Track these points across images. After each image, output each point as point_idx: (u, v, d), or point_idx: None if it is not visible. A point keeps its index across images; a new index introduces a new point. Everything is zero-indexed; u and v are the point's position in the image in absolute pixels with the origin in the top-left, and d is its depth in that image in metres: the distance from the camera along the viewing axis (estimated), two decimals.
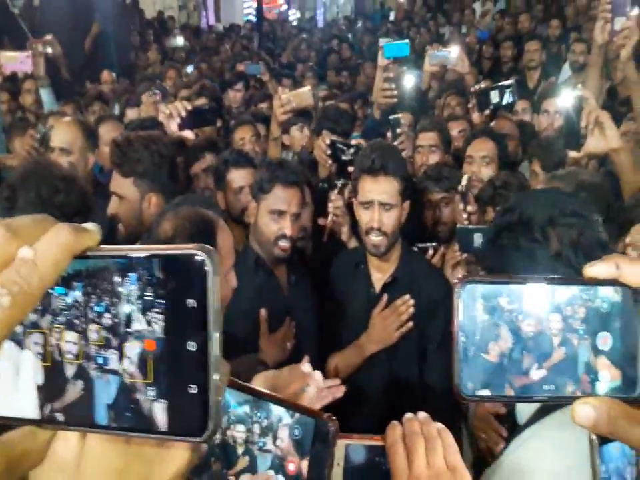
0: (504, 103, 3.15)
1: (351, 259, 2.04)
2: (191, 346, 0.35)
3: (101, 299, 0.37)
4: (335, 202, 2.24)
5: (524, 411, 1.09)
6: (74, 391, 0.38)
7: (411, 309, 1.86)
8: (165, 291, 0.36)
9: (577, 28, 6.20)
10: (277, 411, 0.53)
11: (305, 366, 1.10)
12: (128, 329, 0.37)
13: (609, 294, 0.44)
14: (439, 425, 0.77)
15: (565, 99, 3.00)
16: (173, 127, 2.39)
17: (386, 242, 1.90)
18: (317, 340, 2.00)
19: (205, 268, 0.35)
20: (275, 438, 0.52)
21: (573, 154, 2.29)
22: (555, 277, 0.45)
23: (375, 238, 1.89)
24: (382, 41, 3.98)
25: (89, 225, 0.38)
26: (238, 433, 0.53)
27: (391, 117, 2.88)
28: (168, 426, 0.36)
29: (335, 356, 1.95)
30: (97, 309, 0.37)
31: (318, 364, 1.91)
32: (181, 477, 0.41)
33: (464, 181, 2.30)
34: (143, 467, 0.40)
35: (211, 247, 0.36)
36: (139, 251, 0.37)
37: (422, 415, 0.79)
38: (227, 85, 5.03)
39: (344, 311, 1.98)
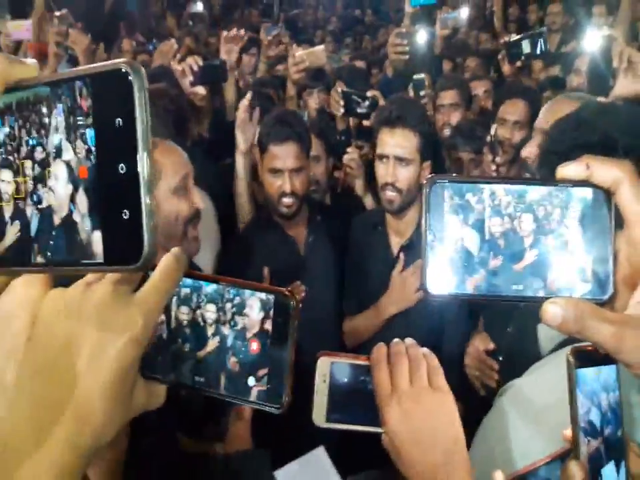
0: (537, 52, 3.07)
1: (369, 220, 2.00)
2: (121, 168, 0.33)
3: (31, 132, 0.35)
4: (351, 154, 2.20)
5: (546, 346, 1.07)
6: (12, 231, 0.37)
7: None
8: (93, 113, 0.34)
9: None
10: (241, 292, 0.51)
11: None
12: (59, 159, 0.35)
13: (580, 195, 0.43)
14: (425, 349, 0.78)
15: (591, 40, 2.88)
16: (185, 83, 2.36)
17: (400, 199, 1.84)
18: (334, 302, 1.96)
19: (129, 79, 0.33)
20: (242, 316, 0.51)
21: (601, 99, 2.19)
22: (528, 178, 0.45)
23: (389, 193, 1.84)
24: None
25: (28, 60, 0.37)
26: (208, 312, 0.52)
27: (415, 77, 2.82)
28: (105, 256, 0.35)
29: (353, 318, 1.92)
30: (30, 142, 0.35)
31: (336, 325, 1.92)
32: (137, 346, 0.41)
33: (492, 130, 2.22)
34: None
35: (135, 62, 0.34)
36: (66, 75, 0.35)
37: (409, 339, 0.79)
38: (243, 50, 4.95)
39: (363, 272, 1.94)
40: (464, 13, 3.50)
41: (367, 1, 9.08)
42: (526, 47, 3.12)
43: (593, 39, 2.87)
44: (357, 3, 9.02)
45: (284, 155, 1.88)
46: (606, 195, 0.43)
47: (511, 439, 0.94)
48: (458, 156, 2.30)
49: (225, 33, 2.68)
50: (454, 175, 0.44)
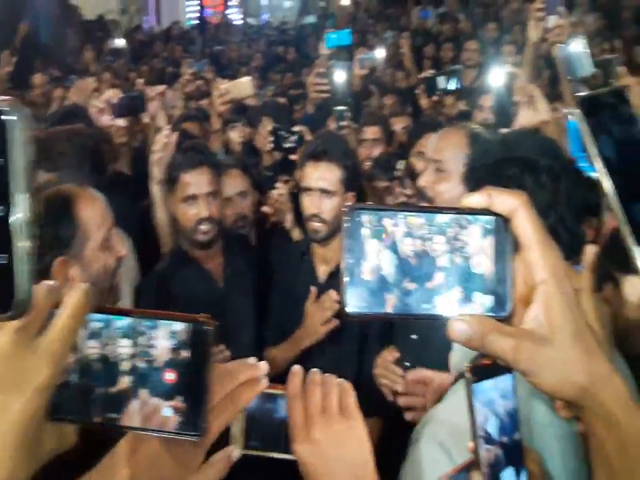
0: (452, 88, 3.25)
1: (296, 250, 2.01)
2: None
3: None
4: (280, 189, 2.21)
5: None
6: None
7: (335, 305, 1.80)
8: None
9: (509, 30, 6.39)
10: (154, 323, 0.51)
11: (251, 359, 1.05)
12: None
13: (484, 221, 0.47)
14: (340, 380, 0.80)
15: (495, 77, 3.09)
16: (103, 120, 2.30)
17: (325, 229, 1.88)
18: (254, 333, 1.94)
19: (3, 119, 0.32)
20: (155, 348, 0.51)
21: (505, 131, 2.34)
22: (438, 207, 0.48)
23: (315, 224, 1.88)
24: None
25: None
26: (120, 347, 0.51)
27: (336, 109, 2.90)
28: None
29: (273, 349, 1.91)
30: None
31: (256, 355, 1.87)
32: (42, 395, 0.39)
33: (401, 166, 2.32)
34: None
35: (15, 100, 0.33)
36: None
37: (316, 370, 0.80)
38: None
39: (289, 302, 1.94)
40: (380, 53, 3.67)
41: (289, 40, 9.30)
42: (441, 82, 3.32)
43: (497, 75, 3.08)
44: (280, 41, 9.22)
45: (198, 180, 1.88)
46: (504, 221, 0.46)
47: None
48: (375, 186, 2.39)
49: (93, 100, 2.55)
50: (370, 203, 0.48)
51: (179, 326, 0.51)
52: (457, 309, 0.46)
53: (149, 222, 2.08)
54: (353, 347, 1.86)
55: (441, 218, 0.46)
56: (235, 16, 12.88)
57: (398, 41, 5.63)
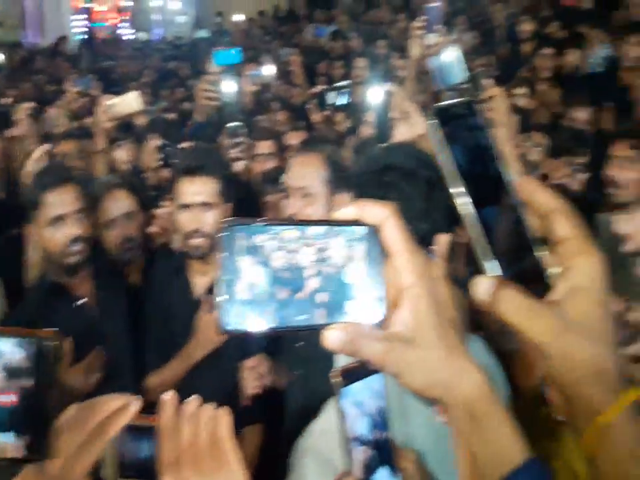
0: (340, 103, 3.36)
1: (170, 267, 1.96)
2: None
3: None
4: (164, 208, 2.14)
5: None
6: None
7: None
8: None
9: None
10: None
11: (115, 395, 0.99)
12: None
13: (356, 231, 0.48)
14: (215, 407, 0.78)
15: (374, 94, 3.21)
16: None
17: (207, 243, 1.85)
18: (132, 360, 1.87)
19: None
20: None
21: (383, 146, 2.41)
22: (312, 219, 0.50)
23: (196, 240, 1.84)
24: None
25: None
26: None
27: (229, 125, 2.86)
28: None
29: (159, 372, 1.84)
30: None
31: (137, 385, 1.80)
32: None
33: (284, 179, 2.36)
34: None
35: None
36: None
37: (194, 397, 0.79)
38: (46, 102, 4.64)
39: (167, 321, 1.89)
40: (268, 70, 3.71)
41: (182, 55, 9.12)
42: (331, 98, 3.40)
43: (375, 93, 3.19)
44: (173, 57, 9.02)
45: (63, 199, 1.79)
46: (375, 231, 0.48)
47: None
48: (266, 199, 2.40)
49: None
50: (245, 218, 0.46)
51: (22, 342, 0.49)
52: (331, 318, 0.47)
53: (18, 251, 1.94)
54: (237, 358, 1.84)
55: (314, 230, 0.47)
56: (125, 30, 12.47)
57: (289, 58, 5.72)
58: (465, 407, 0.48)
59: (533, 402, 1.22)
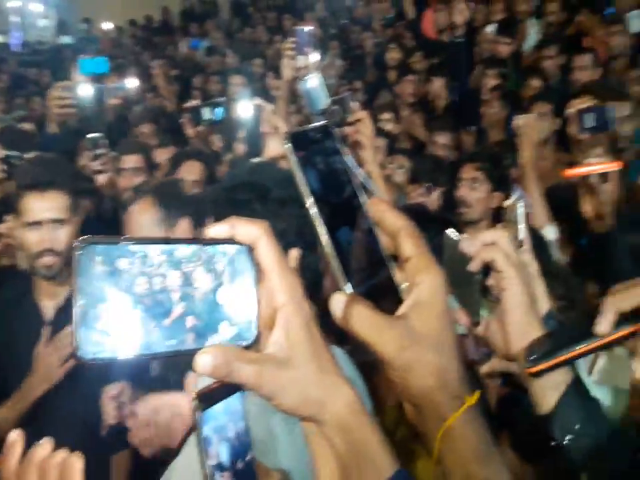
0: (216, 118, 3.34)
1: (13, 291, 1.80)
2: None
3: None
4: (8, 223, 1.95)
5: None
6: None
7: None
8: None
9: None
10: None
11: None
12: None
13: (228, 250, 0.47)
14: (65, 452, 0.73)
15: (245, 110, 3.23)
16: None
17: (60, 262, 1.73)
18: None
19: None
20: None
21: (255, 160, 2.42)
22: (178, 238, 0.47)
23: (48, 259, 1.71)
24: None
25: None
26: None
27: (89, 137, 2.71)
28: None
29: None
30: None
31: None
32: None
33: None
34: None
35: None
36: None
37: (45, 442, 0.74)
38: None
39: (12, 352, 1.72)
40: (131, 83, 3.59)
41: (43, 61, 8.51)
42: (205, 113, 3.37)
43: (246, 108, 3.20)
44: (33, 63, 8.39)
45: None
46: (248, 250, 0.48)
47: None
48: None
49: None
50: (104, 236, 0.43)
51: None
52: (202, 342, 0.45)
53: None
54: (99, 382, 1.68)
55: (182, 250, 0.45)
56: None
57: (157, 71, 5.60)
58: (338, 422, 0.48)
59: (393, 421, 1.26)
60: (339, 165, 0.52)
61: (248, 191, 1.10)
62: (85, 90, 2.70)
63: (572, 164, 2.64)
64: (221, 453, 0.58)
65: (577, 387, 0.73)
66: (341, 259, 0.50)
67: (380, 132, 3.48)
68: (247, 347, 0.47)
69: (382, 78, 5.56)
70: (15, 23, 12.42)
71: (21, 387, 1.67)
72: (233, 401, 0.59)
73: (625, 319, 0.68)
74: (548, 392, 0.73)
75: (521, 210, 1.05)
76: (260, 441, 0.67)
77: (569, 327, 0.73)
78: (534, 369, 0.71)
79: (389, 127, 3.86)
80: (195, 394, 0.55)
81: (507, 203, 1.09)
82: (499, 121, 3.75)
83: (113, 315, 0.42)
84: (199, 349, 0.45)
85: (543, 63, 4.39)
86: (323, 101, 2.24)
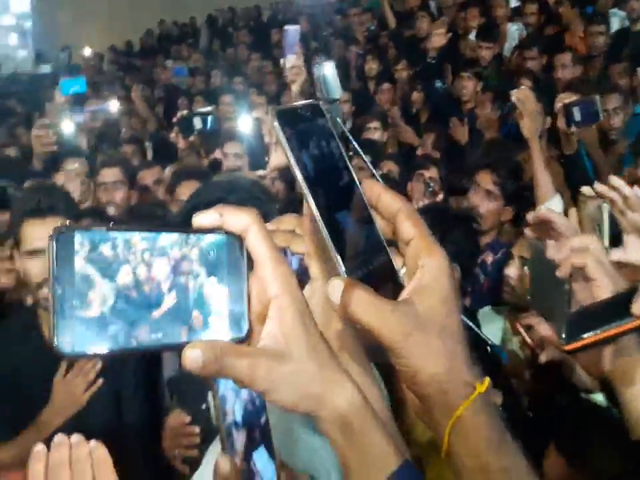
0: (208, 128, 3.43)
1: (17, 327, 1.74)
2: None
3: None
4: (3, 255, 1.90)
5: None
6: None
7: (99, 363, 1.67)
8: None
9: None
10: None
11: None
12: None
13: (216, 240, 0.45)
14: (93, 443, 0.72)
15: (244, 123, 3.26)
16: None
17: None
18: None
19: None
20: None
21: (260, 172, 2.38)
22: (163, 225, 0.44)
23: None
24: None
25: None
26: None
27: (69, 167, 2.70)
28: None
29: (7, 446, 1.61)
30: None
31: None
32: None
33: None
34: None
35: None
36: None
37: (73, 437, 0.72)
38: None
39: (20, 387, 1.67)
40: (113, 105, 3.65)
41: (22, 92, 8.48)
42: (197, 123, 3.41)
43: (246, 121, 3.21)
44: (12, 93, 8.38)
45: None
46: (238, 239, 0.45)
47: None
48: None
49: None
50: (85, 224, 0.40)
51: None
52: (190, 336, 0.43)
53: None
54: (110, 410, 1.71)
55: (168, 238, 0.42)
56: None
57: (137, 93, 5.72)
58: (338, 419, 0.46)
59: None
60: (330, 145, 0.49)
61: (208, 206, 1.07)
62: (66, 125, 2.74)
63: (562, 158, 2.65)
64: (237, 411, 0.59)
65: None
66: (336, 243, 0.47)
67: (367, 141, 3.48)
68: (239, 342, 0.45)
69: (366, 88, 5.60)
70: None
71: (36, 421, 1.64)
72: None
73: None
74: None
75: (606, 214, 1.04)
76: (283, 442, 0.67)
77: (606, 304, 0.70)
78: (571, 346, 0.69)
79: (376, 135, 3.86)
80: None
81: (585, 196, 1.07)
82: (493, 121, 3.83)
83: (95, 305, 0.40)
84: (187, 342, 0.42)
85: (526, 64, 4.42)
86: (338, 89, 2.20)
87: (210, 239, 0.44)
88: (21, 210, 1.72)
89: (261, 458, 0.64)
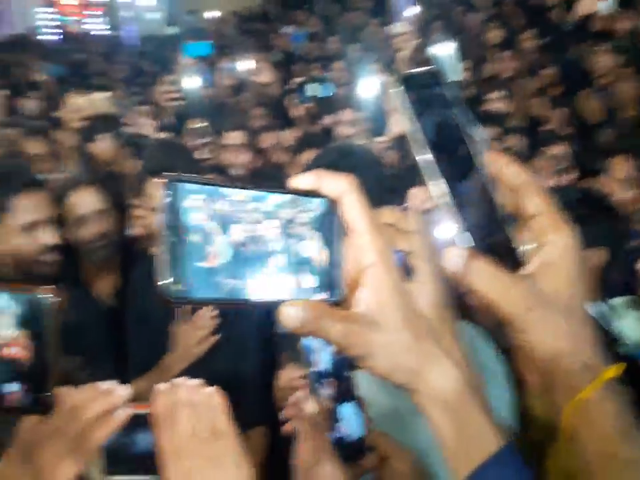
0: (322, 95, 3.42)
1: (147, 271, 1.84)
2: None
3: None
4: (141, 209, 2.00)
5: None
6: None
7: (214, 320, 1.74)
8: None
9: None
10: None
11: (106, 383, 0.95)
12: None
13: (318, 204, 0.45)
14: (211, 389, 0.74)
15: (362, 89, 3.20)
16: None
17: None
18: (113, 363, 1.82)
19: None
20: None
21: (379, 139, 2.37)
22: (265, 186, 0.44)
23: None
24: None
25: None
26: None
27: (194, 127, 2.82)
28: None
29: (137, 382, 1.75)
30: None
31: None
32: None
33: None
34: None
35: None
36: None
37: (194, 381, 0.75)
38: (19, 93, 4.51)
39: (149, 328, 1.82)
40: (244, 65, 3.70)
41: (153, 52, 8.98)
42: (309, 90, 3.38)
43: (368, 86, 3.13)
44: (144, 53, 8.88)
45: (37, 205, 1.71)
46: (334, 204, 0.45)
47: None
48: None
49: None
50: (194, 175, 0.41)
51: (19, 297, 0.50)
52: (289, 294, 0.43)
53: None
54: (230, 359, 1.78)
55: (274, 199, 0.43)
56: (96, 26, 12.21)
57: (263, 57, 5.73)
58: (433, 393, 0.45)
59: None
60: (449, 113, 0.48)
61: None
62: (190, 81, 2.82)
63: None
64: (324, 361, 0.60)
65: None
66: (457, 211, 0.46)
67: (489, 113, 3.34)
68: (333, 305, 0.45)
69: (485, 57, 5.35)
70: (126, 18, 13.19)
71: (159, 365, 1.75)
72: None
73: None
74: None
75: None
76: (387, 418, 0.67)
77: None
78: None
79: (500, 105, 3.68)
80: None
81: None
82: (632, 99, 3.53)
83: (206, 256, 0.40)
84: (285, 300, 0.43)
85: None
86: (458, 71, 2.10)
87: (313, 202, 0.45)
88: (147, 166, 1.84)
89: (347, 410, 0.66)
